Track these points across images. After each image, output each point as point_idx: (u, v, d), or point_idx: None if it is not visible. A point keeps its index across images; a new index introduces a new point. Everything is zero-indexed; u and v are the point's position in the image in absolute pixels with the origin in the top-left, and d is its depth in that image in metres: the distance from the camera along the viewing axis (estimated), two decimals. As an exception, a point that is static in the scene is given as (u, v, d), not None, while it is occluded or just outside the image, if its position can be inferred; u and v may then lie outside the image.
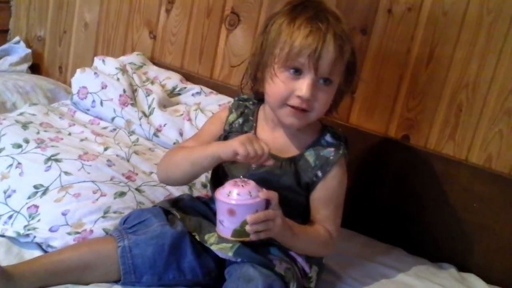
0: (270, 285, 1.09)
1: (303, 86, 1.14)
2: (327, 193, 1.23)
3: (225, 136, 1.28)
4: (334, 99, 1.22)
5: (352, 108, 1.67)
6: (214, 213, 1.20)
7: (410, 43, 1.56)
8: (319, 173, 1.22)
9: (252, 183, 1.10)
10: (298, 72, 1.15)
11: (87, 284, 1.13)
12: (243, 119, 1.29)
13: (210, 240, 1.18)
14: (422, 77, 1.56)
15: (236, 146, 1.11)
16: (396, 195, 1.60)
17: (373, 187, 1.63)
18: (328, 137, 1.25)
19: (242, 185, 1.09)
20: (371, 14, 1.59)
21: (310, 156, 1.23)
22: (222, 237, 1.13)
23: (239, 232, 1.09)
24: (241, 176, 1.12)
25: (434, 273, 1.48)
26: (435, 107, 1.56)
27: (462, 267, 1.53)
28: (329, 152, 1.23)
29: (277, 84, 1.16)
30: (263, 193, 1.10)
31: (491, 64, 1.47)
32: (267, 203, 1.10)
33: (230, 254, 1.15)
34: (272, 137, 1.25)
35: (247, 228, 1.08)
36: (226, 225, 1.10)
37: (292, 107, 1.16)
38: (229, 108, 1.32)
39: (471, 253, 1.54)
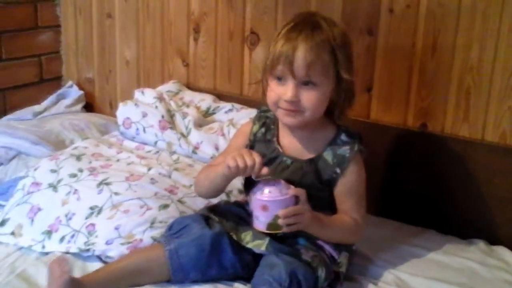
0: (293, 270, 1.21)
1: (287, 90, 1.29)
2: (347, 187, 1.36)
3: (251, 146, 1.43)
4: (337, 99, 1.33)
5: (371, 104, 1.78)
6: (249, 214, 1.36)
7: (414, 37, 1.67)
8: (338, 170, 1.35)
9: (282, 182, 1.25)
10: (282, 79, 1.30)
11: (142, 286, 1.30)
12: (265, 128, 1.43)
13: (246, 238, 1.33)
14: (430, 67, 1.66)
15: (227, 161, 1.26)
16: (421, 180, 1.70)
17: (399, 175, 1.74)
18: (343, 136, 1.37)
19: (273, 184, 1.24)
20: (374, 16, 1.71)
21: (328, 155, 1.36)
22: (258, 230, 1.27)
23: (273, 225, 1.23)
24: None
25: (463, 249, 1.56)
26: (445, 93, 1.65)
27: (493, 241, 1.60)
28: (345, 150, 1.35)
29: (269, 92, 1.33)
30: (292, 190, 1.24)
31: (491, 46, 1.56)
32: (296, 199, 1.24)
33: (263, 248, 1.29)
34: (292, 141, 1.39)
35: (280, 221, 1.23)
36: (261, 220, 1.25)
37: (284, 109, 1.31)
38: (252, 121, 1.47)
39: (498, 225, 1.61)
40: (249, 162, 1.24)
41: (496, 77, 1.57)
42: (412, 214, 1.72)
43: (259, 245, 1.30)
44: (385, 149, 1.75)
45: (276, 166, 1.37)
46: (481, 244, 1.58)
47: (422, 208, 1.71)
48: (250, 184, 1.40)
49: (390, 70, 1.73)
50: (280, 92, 1.30)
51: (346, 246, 1.40)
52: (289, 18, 1.34)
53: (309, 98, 1.29)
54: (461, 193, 1.65)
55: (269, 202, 1.22)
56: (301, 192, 1.25)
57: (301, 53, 1.26)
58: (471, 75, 1.61)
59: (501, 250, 1.56)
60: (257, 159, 1.25)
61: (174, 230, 1.37)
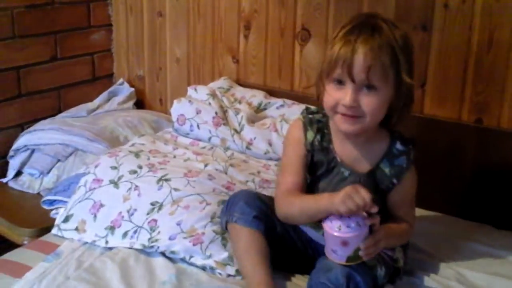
0: (348, 273, 1.21)
1: (346, 95, 1.23)
2: (403, 195, 1.36)
3: (311, 156, 1.36)
4: (396, 104, 1.28)
5: (424, 99, 1.79)
6: None
7: (469, 32, 1.66)
8: (395, 180, 1.34)
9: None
10: (341, 83, 1.25)
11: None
12: (320, 134, 1.36)
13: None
14: (486, 62, 1.65)
15: (338, 206, 1.19)
16: (477, 175, 1.70)
17: (455, 170, 1.74)
18: (398, 145, 1.34)
19: (349, 216, 1.20)
20: (429, 11, 1.71)
21: (385, 167, 1.34)
22: (337, 262, 1.23)
23: (353, 257, 1.21)
24: None
25: (522, 243, 1.56)
26: (502, 88, 1.65)
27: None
28: (402, 160, 1.34)
29: (326, 96, 1.28)
30: (369, 221, 1.21)
31: (549, 40, 1.55)
32: (371, 227, 1.22)
33: (321, 233, 1.29)
34: (347, 148, 1.35)
35: (360, 253, 1.20)
36: (340, 254, 1.21)
37: (342, 114, 1.26)
38: (303, 126, 1.37)
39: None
40: (360, 202, 1.18)
41: (555, 71, 1.56)
42: (468, 209, 1.72)
43: (316, 228, 1.31)
44: (440, 144, 1.75)
45: (334, 176, 1.35)
46: (540, 239, 1.58)
47: (478, 203, 1.71)
48: None
49: (444, 65, 1.73)
50: (338, 96, 1.25)
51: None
52: (347, 20, 1.29)
53: (369, 103, 1.24)
54: (518, 187, 1.65)
55: (350, 239, 1.19)
56: (377, 221, 1.23)
57: (360, 56, 1.21)
58: (529, 69, 1.60)
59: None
60: (367, 197, 1.19)
61: (229, 210, 1.39)
